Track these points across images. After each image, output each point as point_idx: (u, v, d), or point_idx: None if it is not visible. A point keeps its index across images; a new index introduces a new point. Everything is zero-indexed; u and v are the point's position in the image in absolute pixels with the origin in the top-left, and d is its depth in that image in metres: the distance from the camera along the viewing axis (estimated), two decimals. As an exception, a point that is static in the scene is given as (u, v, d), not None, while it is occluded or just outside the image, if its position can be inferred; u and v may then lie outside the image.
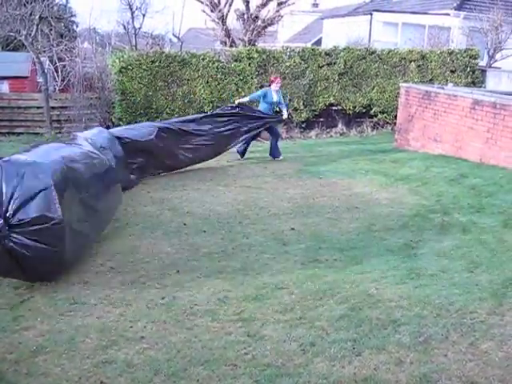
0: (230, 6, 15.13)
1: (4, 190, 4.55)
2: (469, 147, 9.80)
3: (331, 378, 3.34)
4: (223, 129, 10.05)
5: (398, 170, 9.54)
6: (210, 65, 13.31)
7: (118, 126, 11.75)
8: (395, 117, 13.13)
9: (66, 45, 16.14)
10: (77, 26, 24.35)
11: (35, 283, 4.78)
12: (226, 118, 10.16)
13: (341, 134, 14.54)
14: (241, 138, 10.37)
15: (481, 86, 14.86)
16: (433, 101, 10.95)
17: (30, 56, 15.37)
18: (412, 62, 14.83)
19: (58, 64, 16.46)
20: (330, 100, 14.53)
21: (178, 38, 20.63)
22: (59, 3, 21.22)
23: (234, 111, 10.32)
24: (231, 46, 14.91)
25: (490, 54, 16.54)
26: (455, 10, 19.84)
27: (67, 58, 15.33)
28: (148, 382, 3.36)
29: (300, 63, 14.04)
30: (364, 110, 14.84)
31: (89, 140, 7.11)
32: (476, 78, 15.41)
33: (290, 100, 13.66)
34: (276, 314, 4.21)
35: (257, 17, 14.94)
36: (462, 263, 5.17)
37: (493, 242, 5.75)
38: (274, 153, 10.89)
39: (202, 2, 14.99)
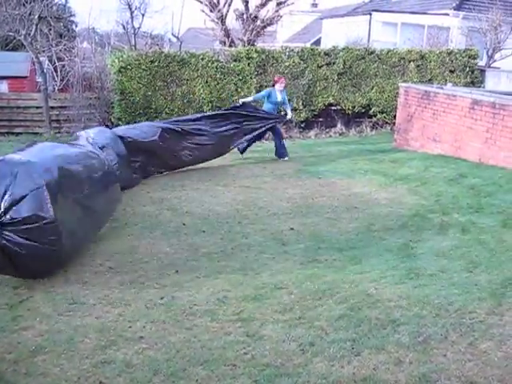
0: (230, 5, 15.14)
1: (-3, 189, 4.56)
2: (468, 147, 9.80)
3: (330, 377, 3.34)
4: (226, 128, 10.01)
5: (397, 170, 9.54)
6: (210, 65, 13.31)
7: (118, 125, 11.74)
8: (394, 117, 13.14)
9: (65, 44, 16.12)
10: (76, 26, 24.41)
11: (34, 283, 4.77)
12: (229, 118, 10.13)
13: (340, 134, 14.53)
14: (244, 138, 10.32)
15: (480, 86, 14.86)
16: (432, 101, 10.94)
17: (29, 56, 15.38)
18: (411, 62, 14.84)
19: (57, 64, 16.48)
20: (329, 100, 14.53)
21: (178, 37, 20.66)
22: (58, 3, 21.26)
23: (237, 111, 10.28)
24: (230, 45, 14.91)
25: (489, 53, 16.55)
26: (454, 10, 19.86)
27: (66, 58, 15.30)
28: (147, 382, 3.35)
29: (299, 63, 14.04)
30: (363, 110, 14.84)
31: (89, 139, 7.11)
32: (475, 78, 15.43)
33: (289, 100, 13.64)
34: (275, 313, 4.21)
35: (256, 17, 14.94)
36: (461, 263, 5.16)
37: (492, 241, 5.74)
38: (280, 153, 10.76)
39: (201, 2, 14.99)
